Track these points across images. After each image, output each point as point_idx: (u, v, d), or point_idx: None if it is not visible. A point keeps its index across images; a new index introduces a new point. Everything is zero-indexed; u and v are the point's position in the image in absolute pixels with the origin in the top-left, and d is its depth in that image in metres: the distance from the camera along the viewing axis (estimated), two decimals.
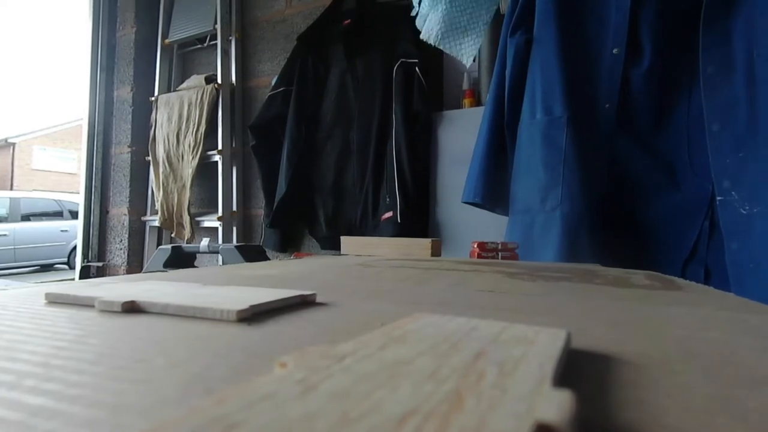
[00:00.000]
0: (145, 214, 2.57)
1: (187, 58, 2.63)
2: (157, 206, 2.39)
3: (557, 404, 0.08)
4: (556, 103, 0.84)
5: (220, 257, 1.80)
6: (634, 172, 0.79)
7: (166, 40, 2.54)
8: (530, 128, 0.89)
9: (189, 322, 0.18)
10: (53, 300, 0.23)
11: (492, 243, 0.69)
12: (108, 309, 0.21)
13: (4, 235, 6.54)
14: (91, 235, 2.69)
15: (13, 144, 12.93)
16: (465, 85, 1.76)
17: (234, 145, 2.37)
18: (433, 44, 0.81)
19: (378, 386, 0.09)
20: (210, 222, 2.31)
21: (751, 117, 0.67)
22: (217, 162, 2.30)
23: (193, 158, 2.29)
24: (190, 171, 2.29)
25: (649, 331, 0.18)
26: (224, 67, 2.37)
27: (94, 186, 2.68)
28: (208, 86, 2.32)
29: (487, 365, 0.10)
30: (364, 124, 1.86)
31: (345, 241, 0.73)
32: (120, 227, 2.61)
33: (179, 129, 2.35)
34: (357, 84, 1.89)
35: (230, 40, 2.39)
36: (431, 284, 0.32)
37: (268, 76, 2.31)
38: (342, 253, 0.73)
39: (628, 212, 0.79)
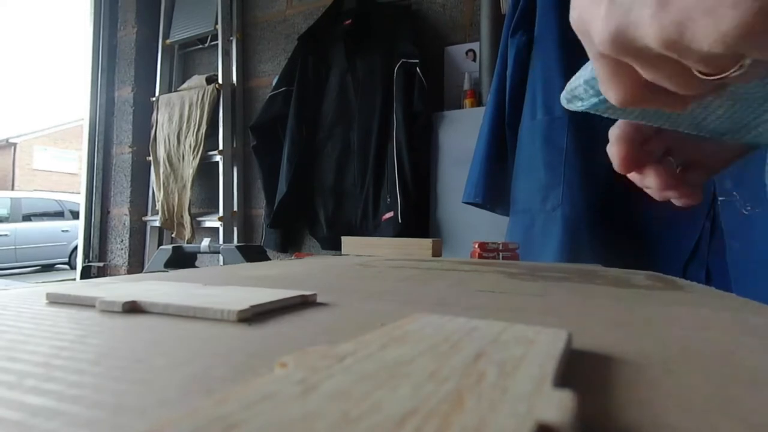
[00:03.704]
0: (146, 215, 2.58)
1: (188, 58, 2.64)
2: (158, 206, 2.39)
3: (558, 404, 0.08)
4: (557, 104, 0.84)
5: (220, 257, 1.80)
6: None
7: (167, 41, 2.55)
8: (531, 128, 0.89)
9: (190, 323, 0.18)
10: (54, 300, 0.23)
11: (493, 243, 0.69)
12: (109, 309, 0.21)
13: (5, 235, 6.55)
14: (92, 235, 2.69)
15: (14, 144, 12.95)
16: (466, 86, 1.76)
17: (235, 146, 2.38)
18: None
19: (378, 386, 0.09)
20: (211, 222, 2.31)
21: None
22: (217, 162, 2.30)
23: (194, 158, 2.30)
24: (191, 171, 2.30)
25: (650, 331, 0.18)
26: (225, 67, 2.37)
27: (95, 186, 2.69)
28: (209, 86, 2.32)
29: (487, 365, 0.10)
30: (364, 124, 1.86)
31: (345, 241, 0.73)
32: (121, 227, 2.62)
33: (180, 129, 2.35)
34: (357, 84, 1.89)
35: (231, 41, 2.40)
36: (432, 284, 0.32)
37: (268, 77, 2.32)
38: (342, 253, 0.73)
39: (629, 212, 0.79)
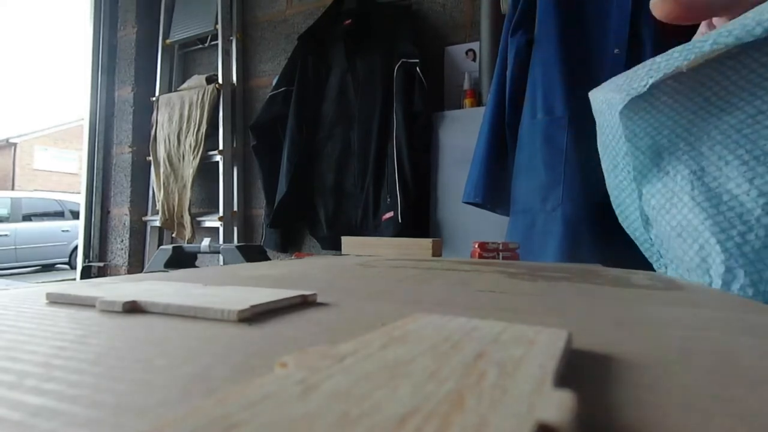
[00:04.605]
0: (146, 214, 2.58)
1: (188, 58, 2.64)
2: (158, 206, 2.40)
3: (558, 404, 0.08)
4: (557, 104, 0.84)
5: (221, 257, 1.80)
6: None
7: (167, 40, 2.55)
8: (531, 128, 0.89)
9: (190, 322, 0.18)
10: (54, 300, 0.23)
11: (493, 243, 0.69)
12: (109, 309, 0.21)
13: (6, 235, 6.55)
14: (92, 235, 2.69)
15: (15, 144, 12.95)
16: (466, 85, 1.76)
17: (235, 145, 2.38)
18: None
19: (378, 386, 0.09)
20: (211, 222, 2.31)
21: None
22: (218, 162, 2.31)
23: (194, 158, 2.30)
24: (191, 171, 2.30)
25: (650, 331, 0.18)
26: (225, 67, 2.37)
27: (95, 186, 2.69)
28: (209, 86, 2.33)
29: (487, 365, 0.10)
30: (364, 124, 1.86)
31: (346, 241, 0.73)
32: (121, 227, 2.62)
33: (180, 129, 2.35)
34: (357, 84, 1.89)
35: (231, 40, 2.40)
36: (432, 284, 0.32)
37: (269, 76, 2.32)
38: (343, 253, 0.72)
39: None
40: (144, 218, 2.58)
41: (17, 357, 0.14)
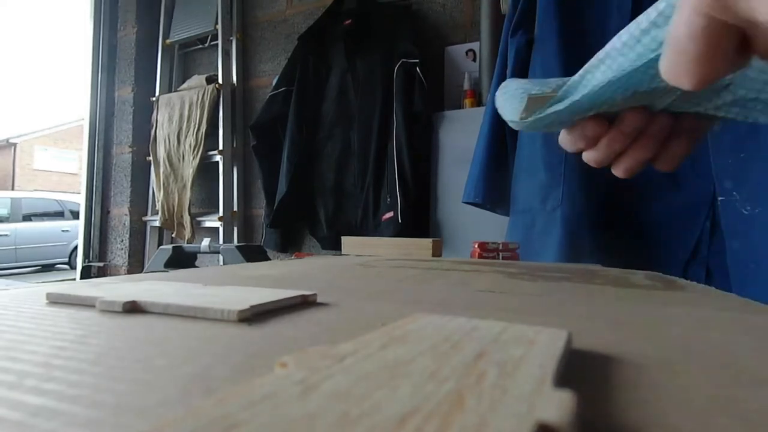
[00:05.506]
0: (146, 214, 2.58)
1: (188, 58, 2.64)
2: (158, 206, 2.39)
3: (558, 404, 0.08)
4: None
5: (220, 257, 1.80)
6: None
7: (167, 41, 2.55)
8: None
9: (190, 322, 0.18)
10: (54, 300, 0.23)
11: (493, 243, 0.69)
12: (109, 309, 0.21)
13: (6, 235, 6.55)
14: (92, 235, 2.69)
15: (15, 144, 12.95)
16: (466, 85, 1.76)
17: (235, 145, 2.38)
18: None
19: (378, 386, 0.09)
20: (211, 222, 2.31)
21: None
22: (217, 162, 2.30)
23: (193, 158, 2.29)
24: (191, 171, 2.30)
25: (650, 331, 0.18)
26: (225, 67, 2.37)
27: (95, 186, 2.69)
28: (209, 86, 2.32)
29: (487, 365, 0.10)
30: (364, 124, 1.86)
31: (346, 241, 0.73)
32: (121, 227, 2.62)
33: (180, 129, 2.35)
34: (358, 84, 1.89)
35: (231, 41, 2.40)
36: (432, 284, 0.32)
37: (269, 76, 2.32)
38: (343, 253, 0.73)
39: (629, 212, 0.79)
40: (144, 218, 2.57)
41: (17, 357, 0.14)
